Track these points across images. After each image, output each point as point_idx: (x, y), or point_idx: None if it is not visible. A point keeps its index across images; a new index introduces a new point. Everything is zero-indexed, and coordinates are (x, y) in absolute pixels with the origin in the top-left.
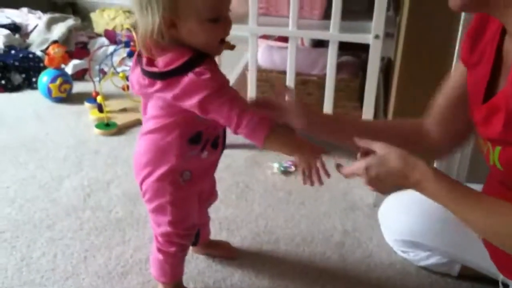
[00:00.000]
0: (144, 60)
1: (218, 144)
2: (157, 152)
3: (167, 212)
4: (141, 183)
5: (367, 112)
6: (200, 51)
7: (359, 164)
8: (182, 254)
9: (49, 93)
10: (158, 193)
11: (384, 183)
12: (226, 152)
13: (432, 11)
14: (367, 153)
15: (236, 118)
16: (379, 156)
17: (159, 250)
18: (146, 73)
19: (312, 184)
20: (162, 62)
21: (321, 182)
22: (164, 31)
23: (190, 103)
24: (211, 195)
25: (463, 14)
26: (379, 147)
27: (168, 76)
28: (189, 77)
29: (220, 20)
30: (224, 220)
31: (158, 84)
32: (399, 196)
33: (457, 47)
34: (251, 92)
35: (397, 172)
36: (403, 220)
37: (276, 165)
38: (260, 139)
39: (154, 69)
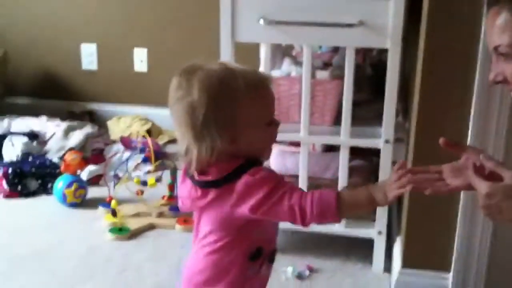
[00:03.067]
0: (195, 172)
1: (274, 259)
2: (216, 272)
3: None
4: None
5: (381, 215)
6: (251, 158)
7: (480, 188)
8: None
9: (64, 198)
10: None
11: (503, 214)
12: None
13: (441, 116)
14: (480, 170)
15: (298, 210)
16: (507, 186)
17: None
18: (199, 183)
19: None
20: (215, 170)
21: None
22: (227, 149)
23: (248, 205)
24: None
25: (471, 124)
26: (509, 176)
27: (222, 183)
28: (244, 179)
29: (273, 122)
30: None
31: (212, 193)
32: None
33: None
34: None
35: None
36: None
37: (290, 269)
38: (333, 217)
39: (208, 178)
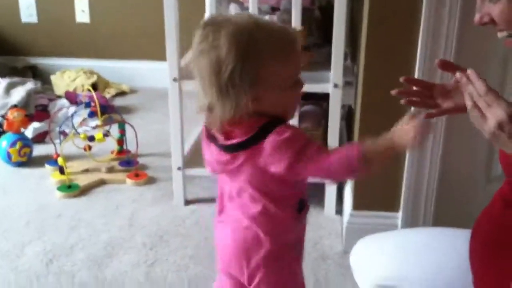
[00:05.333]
0: (220, 136)
1: (309, 207)
2: (270, 232)
3: None
4: (253, 273)
5: None
6: (276, 117)
7: (505, 106)
8: None
9: (9, 158)
10: (274, 276)
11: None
12: (192, 207)
13: (388, 59)
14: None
15: (326, 169)
16: None
17: None
18: (225, 148)
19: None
20: (239, 132)
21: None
22: (250, 107)
23: (279, 166)
24: None
25: (417, 65)
26: None
27: (248, 145)
28: (270, 139)
29: (298, 82)
30: (194, 278)
31: (241, 156)
32: (375, 239)
33: None
34: None
35: None
36: (384, 264)
37: None
38: (358, 170)
39: (233, 141)
